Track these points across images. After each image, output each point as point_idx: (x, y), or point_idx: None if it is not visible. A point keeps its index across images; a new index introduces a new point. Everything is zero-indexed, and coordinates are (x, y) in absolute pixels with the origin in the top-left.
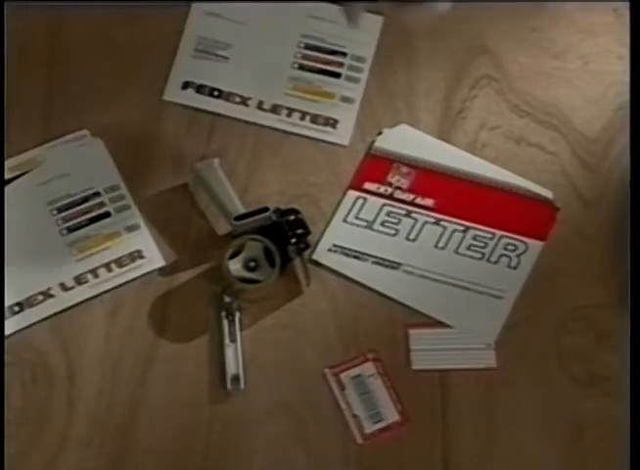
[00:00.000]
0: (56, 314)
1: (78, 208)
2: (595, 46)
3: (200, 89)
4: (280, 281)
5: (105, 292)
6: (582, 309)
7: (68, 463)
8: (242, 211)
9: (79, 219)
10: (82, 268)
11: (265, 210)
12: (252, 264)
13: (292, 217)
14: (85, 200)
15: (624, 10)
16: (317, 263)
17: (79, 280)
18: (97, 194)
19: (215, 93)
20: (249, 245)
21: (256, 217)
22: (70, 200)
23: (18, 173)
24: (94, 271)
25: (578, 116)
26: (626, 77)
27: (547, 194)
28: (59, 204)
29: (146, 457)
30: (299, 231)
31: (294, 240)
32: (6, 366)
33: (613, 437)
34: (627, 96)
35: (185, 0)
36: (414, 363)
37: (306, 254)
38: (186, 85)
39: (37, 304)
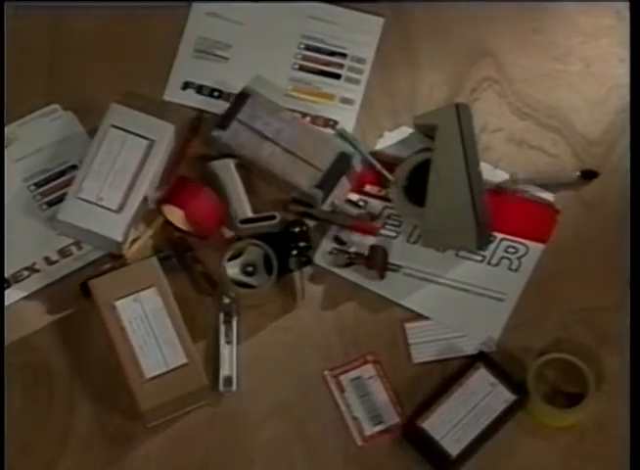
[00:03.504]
0: (43, 288)
1: (56, 182)
2: (597, 48)
3: (200, 89)
4: (275, 292)
5: (90, 264)
6: (583, 312)
7: (68, 463)
8: (249, 214)
9: (58, 193)
10: (65, 241)
11: (272, 217)
12: (250, 269)
13: (297, 229)
14: (62, 173)
15: (626, 12)
16: (318, 266)
17: (64, 253)
18: (74, 167)
19: (215, 93)
20: (249, 249)
21: (262, 224)
22: (47, 174)
23: None
24: (77, 244)
25: (580, 118)
26: (628, 80)
27: (548, 196)
28: (36, 179)
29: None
30: (302, 244)
31: (295, 252)
32: (7, 367)
33: (613, 438)
34: (629, 98)
35: (185, 0)
36: (414, 357)
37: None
38: (186, 85)
39: (23, 279)
